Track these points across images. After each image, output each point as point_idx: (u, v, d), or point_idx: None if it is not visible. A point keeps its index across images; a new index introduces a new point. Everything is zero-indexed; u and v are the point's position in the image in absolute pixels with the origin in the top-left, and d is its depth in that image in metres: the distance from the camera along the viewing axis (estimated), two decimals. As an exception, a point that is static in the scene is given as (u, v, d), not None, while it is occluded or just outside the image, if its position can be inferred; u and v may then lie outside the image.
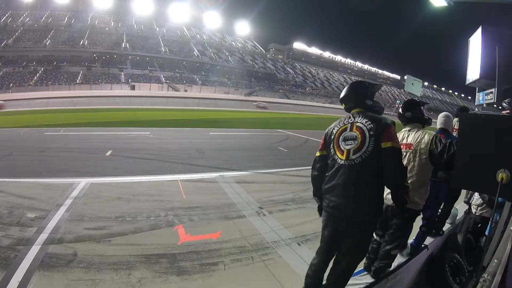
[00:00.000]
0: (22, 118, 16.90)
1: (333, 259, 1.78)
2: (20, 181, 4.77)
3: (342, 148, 1.68)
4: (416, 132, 2.17)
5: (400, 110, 2.31)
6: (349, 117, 1.76)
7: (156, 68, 48.64)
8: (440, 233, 3.02)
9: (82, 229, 3.17)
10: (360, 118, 1.70)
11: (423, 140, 2.09)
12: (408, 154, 2.15)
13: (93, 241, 2.94)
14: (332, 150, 1.74)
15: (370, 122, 1.64)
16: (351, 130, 1.69)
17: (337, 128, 1.77)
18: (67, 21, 49.17)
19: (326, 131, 1.84)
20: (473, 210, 3.23)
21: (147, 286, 2.27)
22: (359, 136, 1.63)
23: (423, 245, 2.72)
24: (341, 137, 1.72)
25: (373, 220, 1.65)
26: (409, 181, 2.09)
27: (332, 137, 1.77)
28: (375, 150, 1.58)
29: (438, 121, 2.83)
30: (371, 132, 1.61)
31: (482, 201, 3.10)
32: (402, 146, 2.16)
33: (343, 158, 1.65)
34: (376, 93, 1.88)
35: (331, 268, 1.77)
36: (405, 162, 2.14)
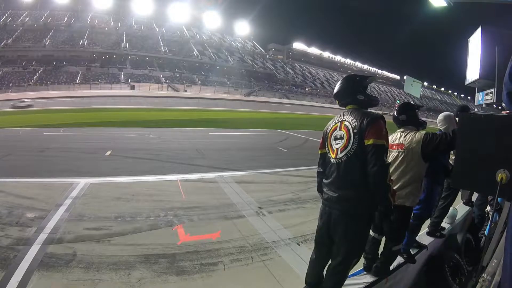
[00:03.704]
0: (21, 118, 16.88)
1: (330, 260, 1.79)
2: (19, 181, 4.76)
3: (333, 147, 1.73)
4: (408, 133, 2.18)
5: (395, 113, 2.32)
6: (341, 115, 1.78)
7: (156, 68, 48.63)
8: (437, 234, 3.01)
9: (82, 229, 3.16)
10: (348, 115, 1.72)
11: (414, 139, 2.10)
12: (399, 154, 2.15)
13: (93, 241, 2.94)
14: (327, 148, 1.80)
15: (355, 120, 1.65)
16: (339, 129, 1.72)
17: (330, 127, 1.81)
18: (67, 21, 49.18)
19: (324, 129, 1.87)
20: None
21: (147, 286, 2.27)
22: (345, 134, 1.67)
23: (422, 245, 2.72)
24: (332, 136, 1.76)
25: (362, 214, 1.64)
26: (401, 180, 2.10)
27: (327, 136, 1.82)
28: (359, 148, 1.60)
29: (438, 123, 2.80)
30: (355, 130, 1.63)
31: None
32: (394, 146, 2.18)
33: (334, 156, 1.71)
34: (370, 84, 1.87)
35: (329, 264, 1.80)
36: (397, 162, 2.15)
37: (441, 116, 2.78)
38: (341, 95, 1.82)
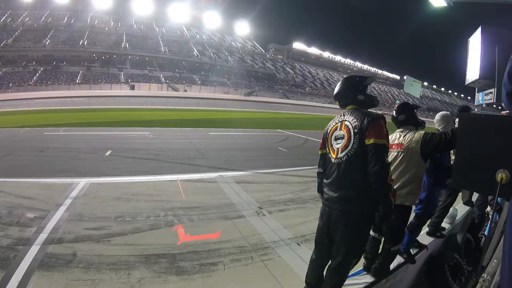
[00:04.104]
0: (21, 118, 16.87)
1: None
2: (19, 181, 4.76)
3: (334, 147, 1.73)
4: (408, 132, 2.19)
5: (394, 113, 2.33)
6: (341, 115, 1.79)
7: (156, 68, 48.60)
8: (437, 234, 3.01)
9: (82, 229, 3.16)
10: (349, 115, 1.72)
11: (414, 139, 2.11)
12: (399, 154, 2.16)
13: (93, 241, 2.94)
14: (327, 148, 1.80)
15: (356, 120, 1.66)
16: (340, 129, 1.73)
17: (331, 128, 1.81)
18: (67, 21, 49.13)
19: (324, 130, 1.88)
20: None
21: (147, 286, 2.27)
22: (346, 134, 1.67)
23: (422, 245, 2.72)
24: (333, 136, 1.77)
25: (362, 214, 1.64)
26: (400, 180, 2.10)
27: (327, 136, 1.82)
28: (360, 148, 1.60)
29: (436, 123, 2.79)
30: (355, 130, 1.63)
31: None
32: (393, 146, 2.19)
33: (334, 156, 1.71)
34: (370, 85, 1.87)
35: (329, 264, 1.80)
36: (396, 161, 2.15)
37: (438, 116, 2.78)
38: (341, 96, 1.83)
